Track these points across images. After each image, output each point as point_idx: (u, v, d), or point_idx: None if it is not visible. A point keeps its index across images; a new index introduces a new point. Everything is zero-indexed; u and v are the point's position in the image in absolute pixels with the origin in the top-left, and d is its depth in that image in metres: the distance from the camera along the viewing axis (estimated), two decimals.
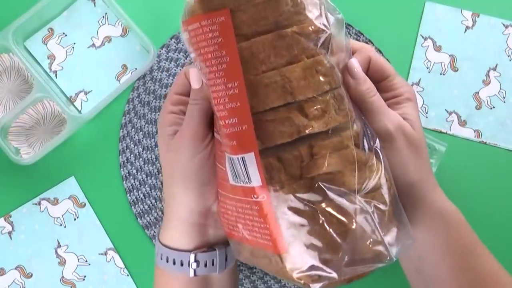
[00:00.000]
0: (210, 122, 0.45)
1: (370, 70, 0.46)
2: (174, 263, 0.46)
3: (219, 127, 0.41)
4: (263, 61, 0.38)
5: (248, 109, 0.38)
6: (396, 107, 0.46)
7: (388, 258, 0.40)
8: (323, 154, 0.39)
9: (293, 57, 0.38)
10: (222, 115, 0.39)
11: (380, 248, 0.40)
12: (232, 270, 0.50)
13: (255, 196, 0.39)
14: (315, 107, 0.39)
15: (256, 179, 0.39)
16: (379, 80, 0.47)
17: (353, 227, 0.39)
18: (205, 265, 0.46)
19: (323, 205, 0.39)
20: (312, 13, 0.39)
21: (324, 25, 0.40)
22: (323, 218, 0.39)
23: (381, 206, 0.41)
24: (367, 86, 0.44)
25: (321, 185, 0.39)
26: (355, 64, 0.44)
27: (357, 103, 0.44)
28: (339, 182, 0.39)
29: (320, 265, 0.39)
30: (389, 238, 0.41)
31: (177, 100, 0.47)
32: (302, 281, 0.39)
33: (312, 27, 0.39)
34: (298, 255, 0.39)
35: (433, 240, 0.46)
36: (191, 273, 0.46)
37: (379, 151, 0.42)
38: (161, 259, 0.47)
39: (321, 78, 0.39)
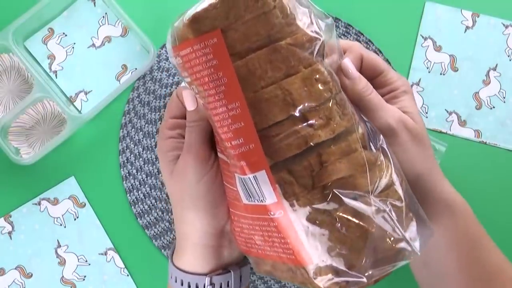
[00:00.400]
0: (211, 142, 0.45)
1: (363, 67, 0.46)
2: (189, 286, 0.46)
3: (224, 148, 0.41)
4: (261, 77, 0.38)
5: (253, 128, 0.38)
6: (394, 101, 0.46)
7: (412, 253, 0.40)
8: (332, 161, 0.39)
9: (290, 69, 0.38)
10: (228, 136, 0.39)
11: (403, 244, 0.39)
12: None
13: (272, 213, 0.39)
14: (319, 116, 0.38)
15: (270, 196, 0.38)
16: (373, 77, 0.47)
17: (373, 229, 0.39)
18: (220, 287, 0.46)
19: (340, 212, 0.38)
20: (303, 22, 0.39)
21: (316, 33, 0.39)
22: (342, 225, 0.38)
23: (397, 203, 0.40)
24: (362, 84, 0.44)
25: (336, 192, 0.38)
26: (349, 64, 0.44)
27: (355, 102, 0.44)
28: (351, 186, 0.39)
29: (347, 271, 0.38)
30: (410, 233, 0.41)
31: (173, 124, 0.46)
32: (325, 287, 0.39)
33: (305, 36, 0.39)
34: (324, 265, 0.38)
35: (441, 232, 0.46)
36: None
37: (385, 148, 0.42)
38: (176, 281, 0.47)
39: (321, 86, 0.39)
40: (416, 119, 0.45)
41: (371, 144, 0.42)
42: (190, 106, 0.44)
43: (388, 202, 0.40)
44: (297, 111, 0.38)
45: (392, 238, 0.39)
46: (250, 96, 0.38)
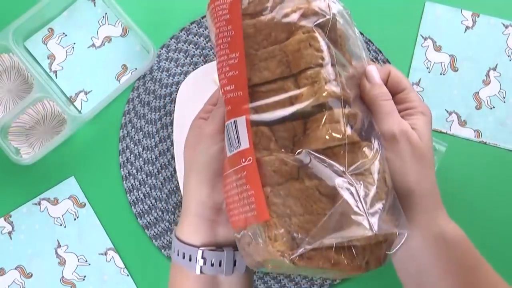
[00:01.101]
0: None
1: (388, 82, 0.48)
2: (183, 257, 0.47)
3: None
4: (265, 37, 0.43)
5: (245, 77, 0.42)
6: (407, 117, 0.47)
7: (369, 229, 0.40)
8: (314, 128, 0.41)
9: (291, 34, 0.42)
10: (223, 83, 0.43)
11: (361, 219, 0.40)
12: (244, 282, 0.50)
13: (243, 160, 0.41)
14: (306, 78, 0.42)
15: (244, 142, 0.42)
16: (396, 93, 0.48)
17: (337, 201, 0.40)
18: (212, 264, 0.47)
19: (308, 171, 0.41)
20: None
21: (322, 9, 0.43)
22: (307, 189, 0.40)
23: (369, 184, 0.41)
24: (381, 90, 0.47)
25: (309, 151, 0.41)
26: (374, 70, 0.47)
27: (369, 105, 0.47)
28: (329, 155, 0.41)
29: (301, 236, 0.39)
30: (373, 211, 0.41)
31: (209, 109, 0.51)
32: (281, 251, 0.39)
33: (311, 10, 0.43)
34: (279, 225, 0.40)
35: (432, 259, 0.46)
36: (198, 270, 0.47)
37: (379, 144, 0.44)
38: (173, 252, 0.49)
39: (314, 52, 0.42)
40: (422, 138, 0.46)
41: (362, 133, 0.44)
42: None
43: (360, 181, 0.41)
44: (290, 72, 0.42)
45: (353, 211, 0.40)
46: (252, 53, 0.43)
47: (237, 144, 0.42)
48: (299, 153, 0.41)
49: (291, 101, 0.42)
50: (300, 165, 0.41)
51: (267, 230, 0.40)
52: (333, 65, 0.42)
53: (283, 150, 0.42)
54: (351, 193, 0.40)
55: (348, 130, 0.41)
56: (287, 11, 0.43)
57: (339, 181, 0.40)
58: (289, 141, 0.42)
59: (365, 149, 0.42)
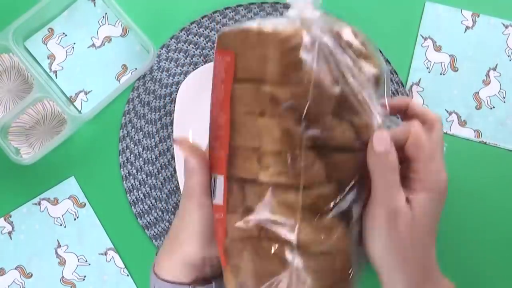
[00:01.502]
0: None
1: (407, 144, 0.43)
2: None
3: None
4: (246, 105, 0.41)
5: (228, 140, 0.42)
6: (412, 192, 0.43)
7: None
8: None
9: (263, 112, 0.41)
10: (210, 136, 0.44)
11: None
12: None
13: (216, 213, 0.43)
14: (266, 159, 0.41)
15: (219, 199, 0.43)
16: (412, 157, 0.43)
17: (283, 270, 0.41)
18: None
19: (268, 233, 0.41)
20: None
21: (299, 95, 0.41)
22: (264, 246, 0.41)
23: (313, 270, 0.41)
24: (385, 162, 0.41)
25: (266, 224, 0.41)
26: (380, 136, 0.41)
27: (370, 173, 0.42)
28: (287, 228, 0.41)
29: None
30: None
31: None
32: None
33: (286, 94, 0.40)
34: (233, 276, 0.43)
35: None
36: None
37: (350, 228, 0.42)
38: None
39: (277, 136, 0.40)
40: (417, 219, 0.41)
41: (330, 213, 0.42)
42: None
43: (306, 262, 0.41)
44: (260, 146, 0.41)
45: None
46: (235, 117, 0.42)
47: (213, 196, 0.43)
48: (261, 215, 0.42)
49: (257, 173, 0.41)
50: (262, 226, 0.41)
51: (226, 272, 0.43)
52: (294, 150, 0.41)
53: (249, 208, 0.42)
54: (290, 274, 0.41)
55: (308, 215, 0.41)
56: (264, 89, 0.40)
57: (288, 255, 0.40)
58: (257, 200, 0.41)
59: (328, 229, 0.41)
